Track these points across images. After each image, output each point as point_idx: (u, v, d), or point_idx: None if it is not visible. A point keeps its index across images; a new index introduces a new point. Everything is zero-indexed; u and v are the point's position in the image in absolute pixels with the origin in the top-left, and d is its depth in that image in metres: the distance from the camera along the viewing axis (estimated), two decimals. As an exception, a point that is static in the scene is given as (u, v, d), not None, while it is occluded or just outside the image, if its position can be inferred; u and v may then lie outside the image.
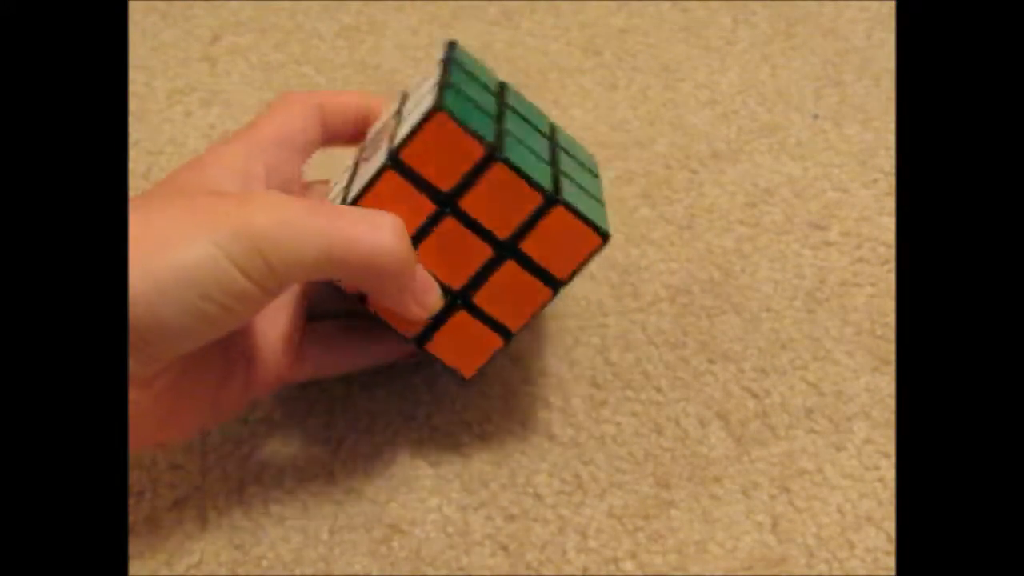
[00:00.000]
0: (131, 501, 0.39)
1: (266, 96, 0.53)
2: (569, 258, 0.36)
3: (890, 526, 0.38)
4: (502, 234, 0.35)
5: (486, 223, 0.35)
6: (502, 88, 0.39)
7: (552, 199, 0.35)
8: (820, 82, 0.55)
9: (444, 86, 0.35)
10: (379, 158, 0.35)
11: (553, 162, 0.37)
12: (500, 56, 0.56)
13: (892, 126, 0.53)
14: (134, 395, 0.32)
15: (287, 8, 0.58)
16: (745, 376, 0.43)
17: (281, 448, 0.40)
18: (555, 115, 0.53)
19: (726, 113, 0.53)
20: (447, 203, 0.35)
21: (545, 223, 0.35)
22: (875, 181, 0.50)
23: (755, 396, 0.42)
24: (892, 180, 0.50)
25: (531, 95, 0.54)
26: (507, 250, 0.36)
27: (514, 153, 0.35)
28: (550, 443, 0.41)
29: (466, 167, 0.34)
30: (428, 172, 0.34)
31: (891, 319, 0.44)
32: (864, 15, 0.59)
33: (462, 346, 0.37)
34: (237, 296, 0.31)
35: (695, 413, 0.42)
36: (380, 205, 0.34)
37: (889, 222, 0.48)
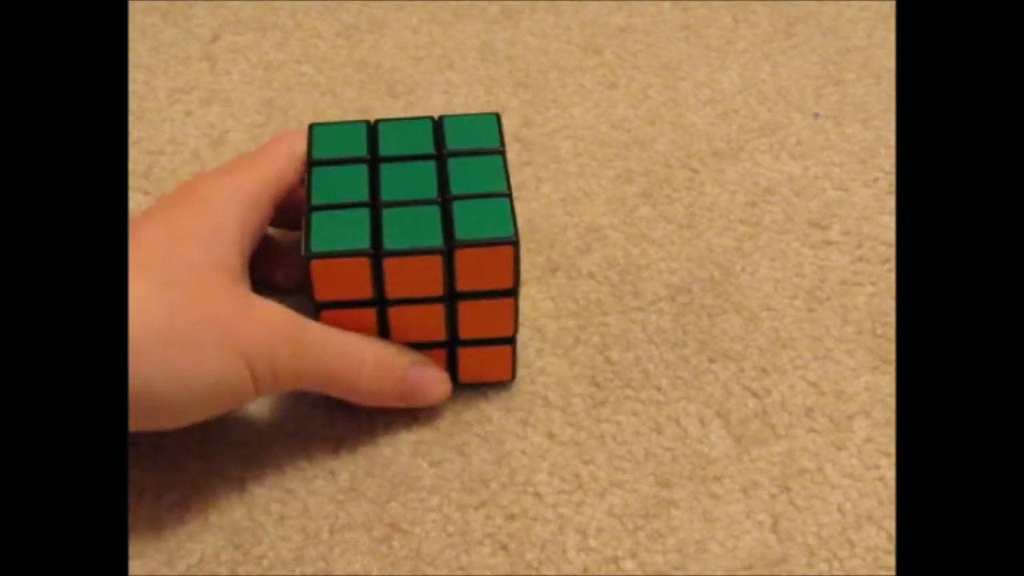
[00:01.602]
0: (132, 500, 0.39)
1: (266, 95, 0.53)
2: (501, 273, 0.38)
3: (890, 525, 0.38)
4: (436, 292, 0.38)
5: (419, 293, 0.38)
6: (373, 133, 0.41)
7: (449, 249, 0.37)
8: (821, 81, 0.55)
9: (307, 214, 0.37)
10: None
11: (442, 189, 0.38)
12: (500, 55, 0.56)
13: (893, 125, 0.53)
14: None
15: (287, 7, 0.58)
16: (745, 375, 0.43)
17: (282, 448, 0.40)
18: (554, 114, 0.53)
19: (726, 112, 0.53)
20: (380, 301, 0.38)
21: (460, 265, 0.37)
22: (876, 180, 0.50)
23: (755, 395, 0.42)
24: (893, 179, 0.50)
25: (531, 94, 0.54)
26: (451, 297, 0.38)
27: (394, 233, 0.37)
28: (550, 442, 0.41)
29: (365, 276, 0.37)
30: (346, 295, 0.38)
31: (891, 318, 0.44)
32: (864, 14, 0.59)
33: (485, 365, 0.41)
34: (241, 398, 0.37)
35: (695, 412, 0.42)
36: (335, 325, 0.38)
37: (890, 221, 0.48)
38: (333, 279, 0.37)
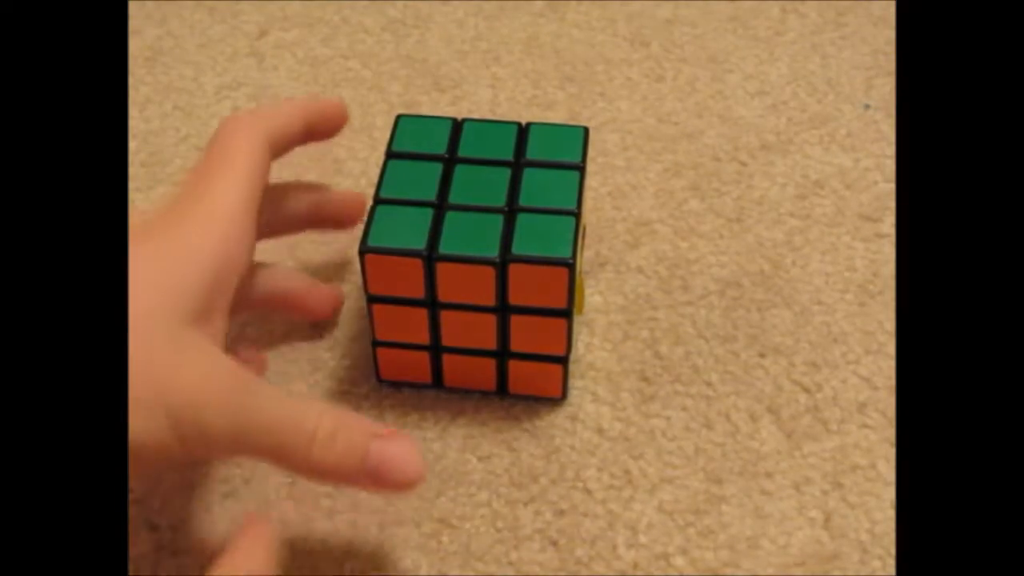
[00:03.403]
0: (182, 495, 0.39)
1: (313, 90, 0.53)
2: (555, 293, 0.37)
3: (945, 522, 0.38)
4: (488, 302, 0.37)
5: (471, 301, 0.38)
6: (457, 131, 0.40)
7: (503, 263, 0.36)
8: (871, 72, 0.54)
9: (373, 206, 0.38)
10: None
11: (510, 201, 0.38)
12: (546, 48, 0.56)
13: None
14: None
15: (333, 3, 0.58)
16: (796, 370, 0.42)
17: (331, 442, 0.40)
18: (601, 107, 0.52)
19: (775, 104, 0.53)
20: (432, 303, 0.38)
21: (512, 280, 0.37)
22: (928, 172, 0.49)
23: (806, 390, 0.42)
24: (945, 171, 0.49)
25: (577, 87, 0.53)
26: (503, 310, 0.38)
27: (451, 238, 0.37)
28: (599, 437, 0.40)
29: (418, 276, 0.37)
30: (399, 292, 0.38)
31: (945, 312, 0.44)
32: (915, 3, 0.58)
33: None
34: (163, 457, 0.32)
35: (746, 407, 0.41)
36: (391, 325, 0.39)
37: (942, 213, 0.47)
38: (386, 275, 0.37)
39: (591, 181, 0.49)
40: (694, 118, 0.52)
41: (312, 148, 0.50)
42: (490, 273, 0.36)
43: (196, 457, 0.33)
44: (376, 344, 0.40)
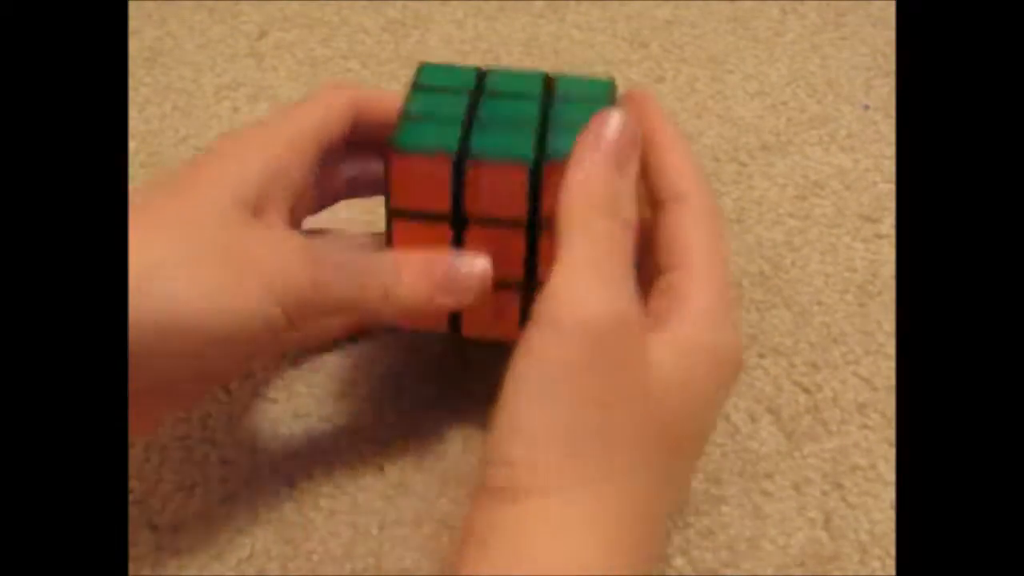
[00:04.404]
0: (182, 496, 0.39)
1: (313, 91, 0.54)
2: None
3: (945, 523, 0.38)
4: (520, 216, 0.35)
5: (501, 214, 0.35)
6: (481, 77, 0.39)
7: (537, 162, 0.34)
8: (871, 72, 0.54)
9: (397, 122, 0.36)
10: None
11: (543, 119, 0.36)
12: (546, 49, 0.56)
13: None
14: None
15: (333, 3, 0.58)
16: (796, 371, 0.42)
17: (331, 444, 0.40)
18: (602, 108, 0.53)
19: (775, 105, 0.53)
20: (458, 218, 0.36)
21: (547, 185, 0.34)
22: (927, 172, 0.49)
23: (806, 391, 0.42)
24: (945, 171, 0.49)
25: (578, 88, 0.53)
26: (532, 227, 0.36)
27: (483, 141, 0.35)
28: (599, 438, 0.40)
29: (445, 181, 0.35)
30: (425, 205, 0.35)
31: (945, 312, 0.44)
32: (915, 4, 0.58)
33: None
34: (278, 340, 0.35)
35: (746, 408, 0.41)
36: (409, 245, 0.36)
37: (942, 214, 0.47)
38: (413, 180, 0.35)
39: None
40: (694, 119, 0.52)
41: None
42: (524, 173, 0.35)
43: (299, 329, 0.35)
44: None
